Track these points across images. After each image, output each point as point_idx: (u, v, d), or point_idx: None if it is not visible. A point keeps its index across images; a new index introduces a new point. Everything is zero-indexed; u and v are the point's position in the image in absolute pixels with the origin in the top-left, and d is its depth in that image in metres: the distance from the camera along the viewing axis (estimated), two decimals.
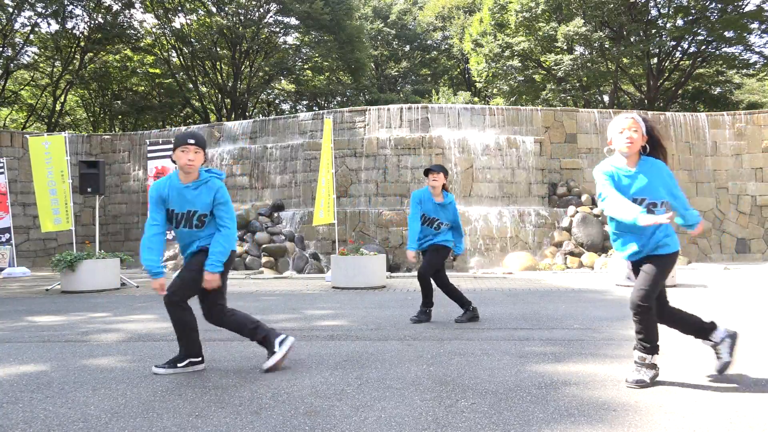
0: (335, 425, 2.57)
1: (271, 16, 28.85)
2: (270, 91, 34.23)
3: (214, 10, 27.96)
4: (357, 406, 2.83)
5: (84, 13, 25.39)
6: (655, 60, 26.00)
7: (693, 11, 23.95)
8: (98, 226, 11.04)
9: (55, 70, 26.51)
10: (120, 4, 26.08)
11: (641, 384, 3.13)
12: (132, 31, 27.08)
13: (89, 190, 9.71)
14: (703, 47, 25.16)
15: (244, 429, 2.54)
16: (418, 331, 4.96)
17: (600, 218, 14.14)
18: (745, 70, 26.65)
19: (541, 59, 26.12)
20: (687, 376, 3.35)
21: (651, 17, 25.55)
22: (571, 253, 13.41)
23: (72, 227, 10.67)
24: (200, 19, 28.82)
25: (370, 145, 15.20)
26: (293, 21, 28.90)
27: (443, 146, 14.99)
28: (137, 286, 9.53)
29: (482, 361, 3.77)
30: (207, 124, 19.51)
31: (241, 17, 27.78)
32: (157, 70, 29.52)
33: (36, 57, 26.37)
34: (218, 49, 28.73)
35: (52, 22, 25.55)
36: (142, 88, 30.42)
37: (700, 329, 3.36)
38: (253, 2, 27.82)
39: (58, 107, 27.24)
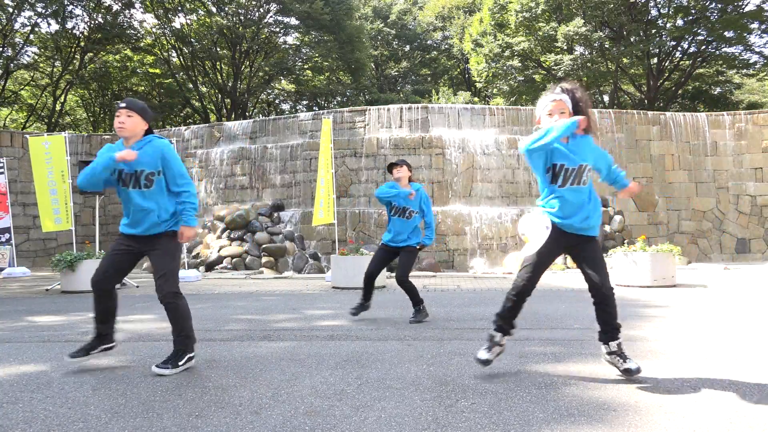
0: (335, 425, 2.57)
1: (271, 16, 28.86)
2: (270, 91, 34.23)
3: (214, 10, 27.96)
4: (357, 406, 2.83)
5: (84, 13, 25.42)
6: (655, 60, 26.00)
7: (693, 11, 23.96)
8: (98, 226, 11.04)
9: (55, 70, 26.51)
10: (120, 4, 26.09)
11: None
12: (132, 31, 27.09)
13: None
14: (703, 47, 25.17)
15: (244, 429, 2.54)
16: (418, 331, 4.96)
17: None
18: (745, 70, 26.66)
19: (541, 59, 26.12)
20: (687, 376, 3.34)
21: (651, 17, 25.56)
22: None
23: (72, 227, 10.67)
24: (200, 19, 28.82)
25: (370, 145, 15.20)
26: (293, 21, 28.91)
27: (443, 146, 14.99)
28: (137, 286, 9.54)
29: None
30: (207, 124, 19.51)
31: (241, 17, 27.78)
32: (157, 70, 29.53)
33: (36, 57, 26.38)
34: (218, 49, 28.73)
35: (52, 22, 25.59)
36: (142, 88, 30.42)
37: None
38: (253, 2, 27.82)
39: (58, 107, 27.24)
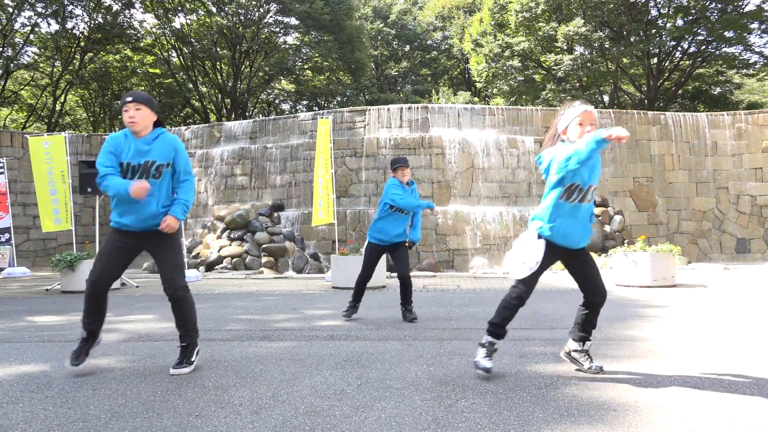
0: (335, 425, 2.57)
1: (271, 16, 28.86)
2: (270, 91, 34.23)
3: (214, 10, 27.96)
4: (357, 406, 2.83)
5: (84, 13, 25.42)
6: (655, 60, 26.00)
7: (693, 11, 23.96)
8: (98, 226, 11.04)
9: (55, 70, 26.51)
10: (120, 4, 26.10)
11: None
12: (132, 31, 27.09)
13: (89, 190, 9.70)
14: (703, 47, 25.17)
15: (244, 429, 2.54)
16: (418, 331, 4.96)
17: (599, 218, 14.14)
18: (745, 70, 26.66)
19: (541, 59, 26.13)
20: (687, 376, 3.34)
21: (651, 17, 25.56)
22: None
23: (72, 227, 10.67)
24: (200, 19, 28.82)
25: (370, 145, 15.20)
26: (293, 21, 28.91)
27: (443, 146, 14.99)
28: (137, 286, 9.53)
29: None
30: (207, 124, 19.51)
31: (241, 17, 27.78)
32: (157, 70, 29.53)
33: (36, 57, 26.38)
34: (218, 49, 28.74)
35: (52, 22, 25.59)
36: (142, 88, 30.40)
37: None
38: (253, 2, 27.83)
39: (58, 107, 27.25)
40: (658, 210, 16.63)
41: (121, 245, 3.55)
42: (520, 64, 26.39)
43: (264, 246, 13.51)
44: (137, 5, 26.85)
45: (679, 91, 27.87)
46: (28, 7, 22.86)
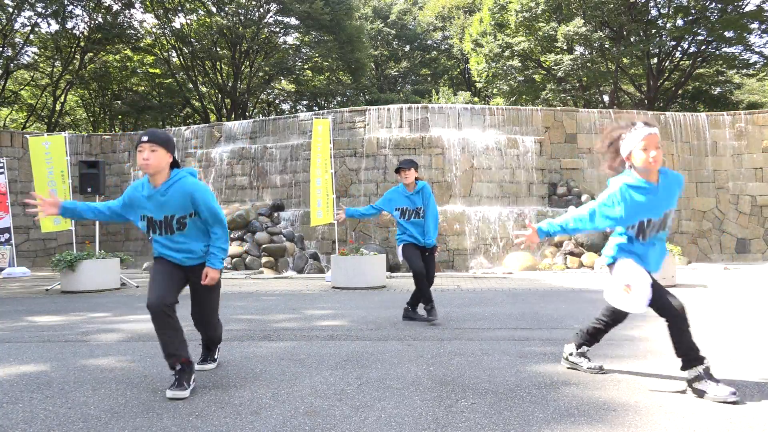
0: (335, 425, 2.57)
1: (271, 16, 28.86)
2: (270, 91, 34.23)
3: (214, 10, 27.96)
4: (357, 406, 2.83)
5: (84, 13, 25.41)
6: (655, 60, 26.00)
7: (693, 11, 23.95)
8: (98, 226, 11.04)
9: (55, 70, 26.51)
10: (120, 4, 26.09)
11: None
12: (132, 31, 27.08)
13: (89, 190, 9.71)
14: (703, 47, 25.17)
15: (244, 429, 2.54)
16: (418, 331, 4.96)
17: None
18: (745, 70, 26.65)
19: (541, 59, 26.12)
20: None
21: (651, 17, 25.55)
22: (571, 253, 13.41)
23: (72, 227, 10.66)
24: (200, 19, 28.82)
25: (370, 145, 15.19)
26: (293, 21, 28.90)
27: (443, 146, 14.99)
28: (137, 286, 9.53)
29: (482, 361, 3.77)
30: (207, 124, 19.51)
31: (241, 17, 27.78)
32: (157, 70, 29.53)
33: (36, 57, 26.37)
34: (218, 49, 28.73)
35: (52, 22, 25.57)
36: (142, 88, 30.43)
37: None
38: (253, 2, 27.82)
39: (58, 107, 27.24)
40: None
41: (171, 267, 3.31)
42: (520, 64, 26.39)
43: (264, 246, 13.52)
44: (137, 5, 26.85)
45: (679, 91, 27.87)
46: (28, 7, 22.86)
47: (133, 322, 5.70)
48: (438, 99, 32.31)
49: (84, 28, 25.74)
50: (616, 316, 3.29)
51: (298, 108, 36.17)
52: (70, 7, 24.68)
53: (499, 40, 26.36)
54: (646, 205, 2.98)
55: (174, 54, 29.38)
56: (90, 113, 30.73)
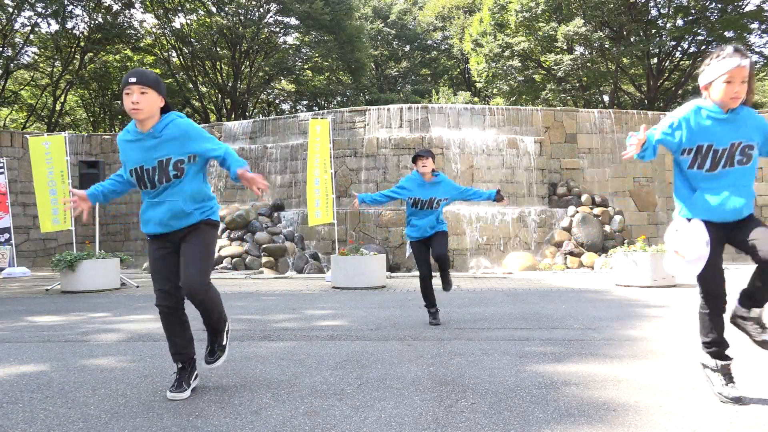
0: (335, 425, 2.57)
1: (271, 16, 28.87)
2: (270, 91, 34.24)
3: (214, 10, 27.97)
4: (357, 406, 2.83)
5: (84, 13, 25.41)
6: (655, 60, 26.00)
7: (693, 11, 23.96)
8: (98, 226, 11.04)
9: (55, 70, 26.51)
10: (120, 4, 26.09)
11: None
12: (132, 31, 27.09)
13: None
14: (703, 47, 25.16)
15: (244, 429, 2.54)
16: (418, 331, 4.96)
17: (600, 218, 14.13)
18: None
19: (541, 59, 26.13)
20: (687, 376, 3.34)
21: (651, 17, 25.55)
22: (571, 253, 13.41)
23: (72, 227, 10.66)
24: (200, 19, 28.83)
25: (370, 145, 15.19)
26: (293, 21, 28.92)
27: (443, 146, 14.99)
28: (137, 286, 9.53)
29: (482, 361, 3.77)
30: (207, 124, 19.52)
31: (241, 17, 27.78)
32: (157, 70, 29.51)
33: (36, 57, 26.38)
34: (218, 49, 28.74)
35: (52, 22, 25.58)
36: None
37: None
38: (253, 2, 27.83)
39: (58, 107, 27.24)
40: (658, 210, 16.64)
41: (162, 251, 3.03)
42: (520, 64, 26.39)
43: (264, 246, 13.51)
44: (137, 5, 26.85)
45: (679, 91, 27.87)
46: (28, 7, 22.86)
47: (133, 322, 5.70)
48: (438, 99, 32.31)
49: (84, 28, 25.75)
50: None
51: (298, 108, 36.17)
52: (70, 7, 24.68)
53: (499, 40, 26.36)
54: (709, 129, 2.66)
55: (174, 54, 29.39)
56: (90, 113, 30.74)
